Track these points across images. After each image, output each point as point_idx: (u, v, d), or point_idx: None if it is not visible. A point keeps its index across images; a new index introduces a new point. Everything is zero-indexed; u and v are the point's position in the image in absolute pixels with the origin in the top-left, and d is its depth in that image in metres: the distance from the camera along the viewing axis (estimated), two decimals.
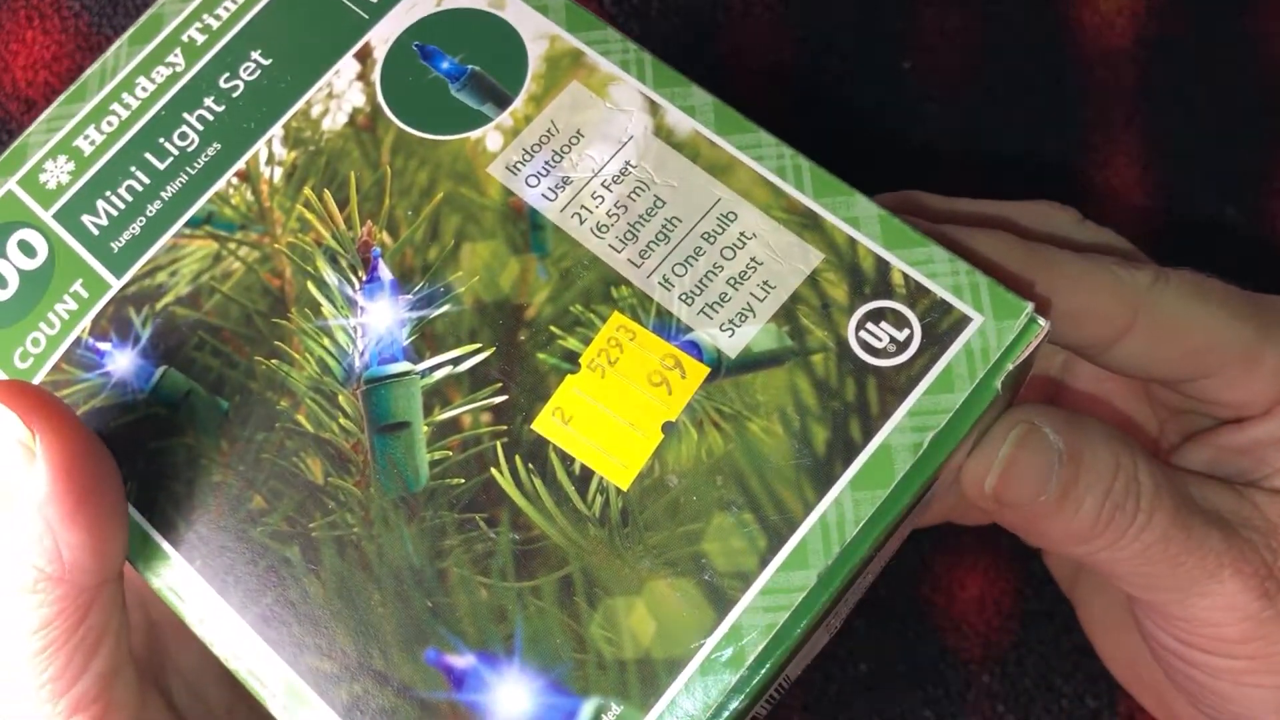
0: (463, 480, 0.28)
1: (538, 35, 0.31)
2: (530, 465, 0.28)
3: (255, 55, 0.33)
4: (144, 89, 0.33)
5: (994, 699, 0.51)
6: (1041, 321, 0.27)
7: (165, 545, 0.29)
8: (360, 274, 0.31)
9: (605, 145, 0.30)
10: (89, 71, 0.33)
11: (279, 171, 0.32)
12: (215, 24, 0.34)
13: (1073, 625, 0.52)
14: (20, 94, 0.51)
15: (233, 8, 0.34)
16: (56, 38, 0.51)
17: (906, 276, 0.28)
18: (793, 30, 0.52)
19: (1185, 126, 0.52)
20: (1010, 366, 0.27)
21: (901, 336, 0.28)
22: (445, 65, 0.32)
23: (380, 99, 0.32)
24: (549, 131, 0.31)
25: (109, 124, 0.33)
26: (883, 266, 0.28)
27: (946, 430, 0.26)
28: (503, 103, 0.31)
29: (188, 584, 0.28)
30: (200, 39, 0.34)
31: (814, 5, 0.52)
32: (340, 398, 0.30)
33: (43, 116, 0.34)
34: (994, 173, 0.53)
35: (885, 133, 0.54)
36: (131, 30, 0.33)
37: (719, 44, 0.53)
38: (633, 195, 0.30)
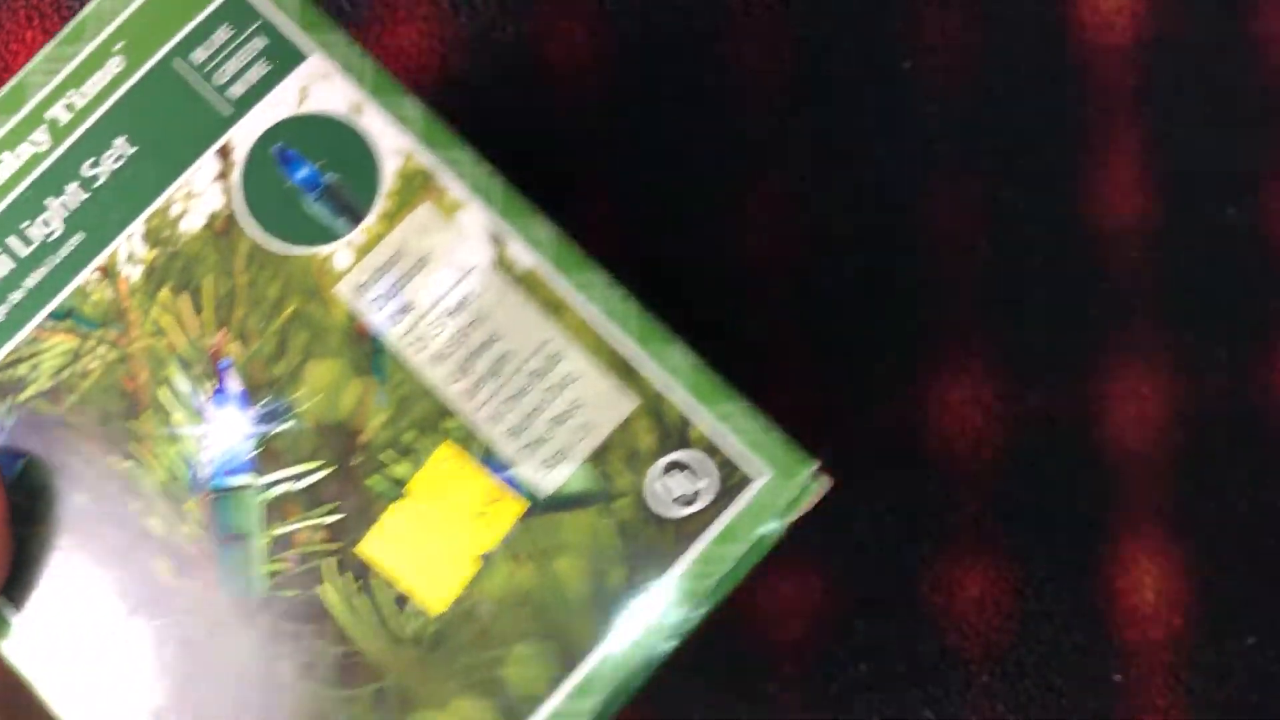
0: (296, 592, 0.31)
1: (394, 149, 0.33)
2: (357, 584, 0.31)
3: (120, 141, 0.34)
4: (8, 167, 0.34)
5: (994, 698, 0.50)
6: (824, 480, 0.29)
7: (23, 628, 0.31)
8: (210, 384, 0.32)
9: (449, 274, 0.32)
10: None
11: (139, 270, 0.33)
12: (81, 102, 0.34)
13: (1072, 625, 0.52)
14: None
15: (99, 86, 0.34)
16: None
17: (709, 430, 0.31)
18: (793, 30, 0.51)
19: (1185, 127, 0.52)
20: (789, 520, 0.30)
21: (696, 489, 0.31)
22: (302, 173, 0.33)
23: (237, 204, 0.33)
24: (397, 254, 0.32)
25: None
26: (688, 419, 0.31)
27: (726, 577, 0.30)
28: (356, 218, 0.33)
29: (45, 667, 0.31)
30: (65, 118, 0.34)
31: (814, 5, 0.51)
32: (187, 505, 0.32)
33: None
34: (993, 173, 0.53)
35: (885, 133, 0.53)
36: None
37: (719, 44, 0.52)
38: (470, 328, 0.32)
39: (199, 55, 0.34)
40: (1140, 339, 0.57)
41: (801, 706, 0.53)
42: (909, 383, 0.55)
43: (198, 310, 0.33)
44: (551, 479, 0.31)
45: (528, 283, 0.32)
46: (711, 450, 0.31)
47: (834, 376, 0.55)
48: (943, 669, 0.53)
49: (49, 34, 0.53)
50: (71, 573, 0.31)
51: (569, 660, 0.29)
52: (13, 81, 0.34)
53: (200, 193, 0.33)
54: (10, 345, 0.33)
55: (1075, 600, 0.55)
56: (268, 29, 0.34)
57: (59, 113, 0.34)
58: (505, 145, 0.54)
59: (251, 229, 0.33)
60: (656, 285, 0.54)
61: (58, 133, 0.34)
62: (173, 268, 0.33)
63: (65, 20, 0.52)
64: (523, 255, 0.32)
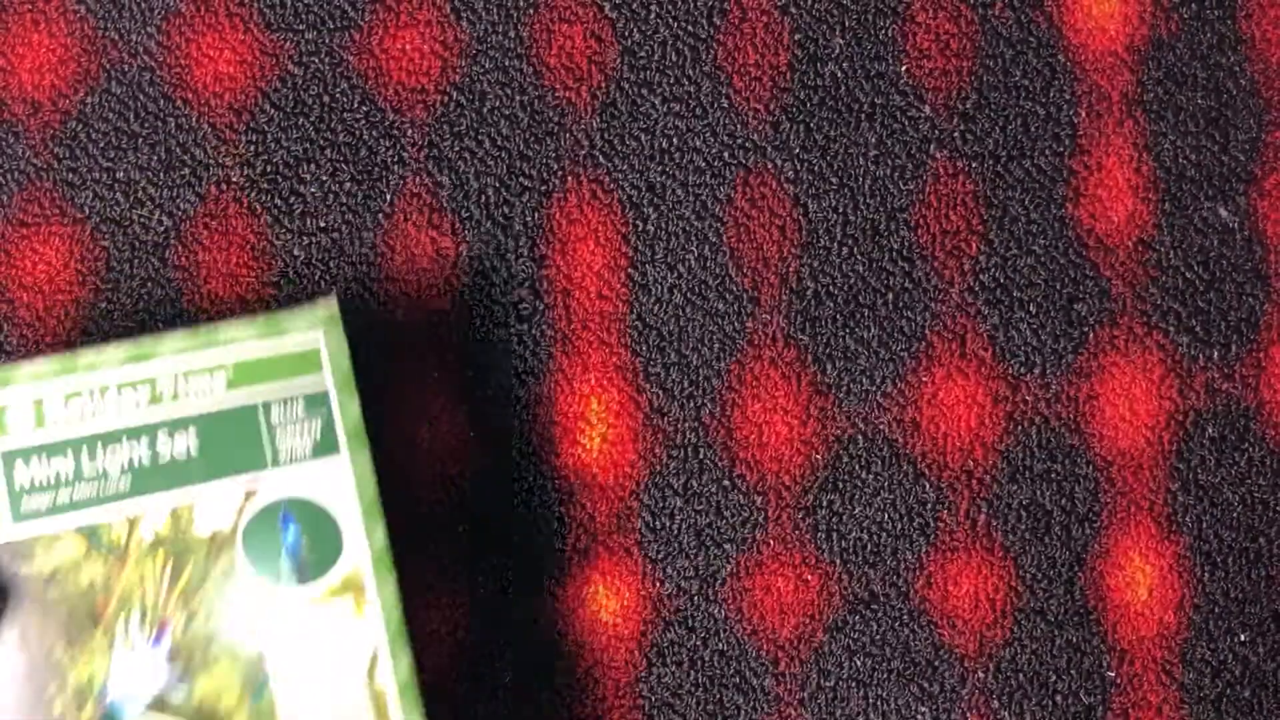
0: None
1: (353, 557, 0.44)
2: None
3: (191, 436, 0.43)
4: (111, 402, 0.43)
5: (989, 695, 0.50)
6: None
7: None
8: (151, 635, 0.42)
9: (335, 656, 0.43)
10: (84, 353, 0.43)
11: (151, 534, 0.43)
12: (181, 390, 0.43)
13: (1065, 622, 0.52)
14: (27, 96, 0.51)
15: (198, 390, 0.43)
16: (62, 40, 0.50)
17: None
18: (790, 35, 0.51)
19: (1176, 129, 0.52)
20: None
21: None
22: (290, 537, 0.43)
23: (239, 530, 0.43)
24: (312, 625, 0.43)
25: (73, 411, 0.42)
26: None
27: None
28: (304, 582, 0.43)
29: None
30: (166, 393, 0.43)
31: (811, 10, 0.51)
32: (88, 706, 0.42)
33: (32, 364, 0.42)
34: (987, 175, 0.52)
35: (880, 136, 0.53)
36: (129, 349, 0.43)
37: (716, 47, 0.52)
38: (327, 696, 0.43)
39: (275, 415, 0.44)
40: (1132, 339, 0.56)
41: (798, 703, 0.52)
42: (903, 382, 0.54)
43: (173, 583, 0.43)
44: None
45: (375, 696, 0.44)
46: None
47: (828, 376, 0.54)
48: (937, 666, 0.53)
49: (55, 37, 0.53)
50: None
51: None
52: (148, 342, 0.44)
53: (220, 508, 0.43)
54: (40, 526, 0.42)
55: (1068, 597, 0.55)
56: (327, 423, 0.44)
57: (165, 387, 0.43)
58: (503, 145, 0.54)
59: (237, 552, 0.43)
60: (645, 287, 0.54)
61: (155, 400, 0.43)
62: (173, 547, 0.43)
63: (71, 24, 0.52)
64: (383, 677, 0.44)
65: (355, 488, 0.44)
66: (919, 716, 0.53)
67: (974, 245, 0.57)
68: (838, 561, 0.54)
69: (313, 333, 0.45)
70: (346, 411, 0.45)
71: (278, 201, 0.56)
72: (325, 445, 0.44)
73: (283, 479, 0.44)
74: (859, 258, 0.56)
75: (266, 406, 0.44)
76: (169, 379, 0.44)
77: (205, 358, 0.44)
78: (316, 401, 0.45)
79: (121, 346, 0.44)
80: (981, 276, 0.56)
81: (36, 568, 0.42)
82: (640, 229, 0.56)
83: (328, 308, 0.46)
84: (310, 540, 0.44)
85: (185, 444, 0.43)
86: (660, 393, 0.55)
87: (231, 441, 0.44)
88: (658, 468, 0.55)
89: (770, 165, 0.56)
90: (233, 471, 0.44)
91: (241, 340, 0.45)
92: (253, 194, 0.55)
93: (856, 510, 0.54)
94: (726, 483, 0.55)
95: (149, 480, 0.43)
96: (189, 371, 0.44)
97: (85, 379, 0.43)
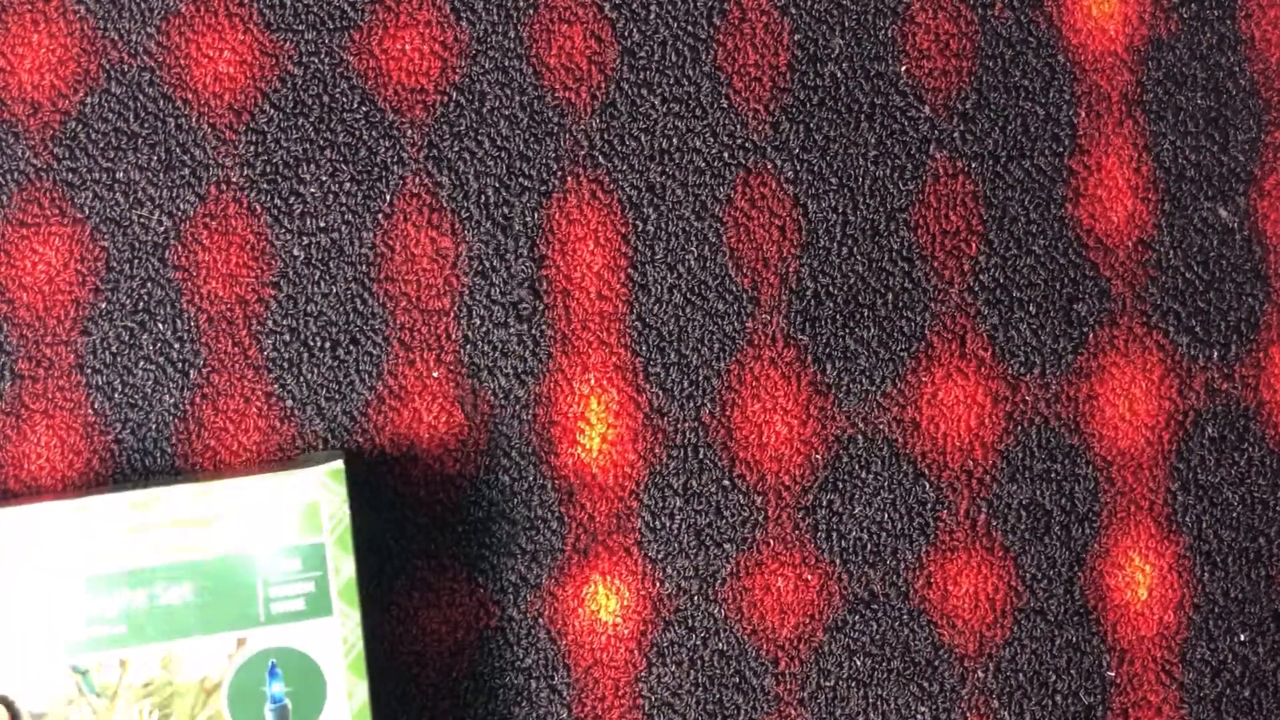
0: None
1: (335, 709, 0.45)
2: None
3: (190, 587, 0.44)
4: (113, 549, 0.43)
5: (988, 694, 0.49)
6: None
7: None
8: None
9: None
10: (88, 499, 0.44)
11: (142, 677, 0.43)
12: (182, 544, 0.44)
13: (1065, 622, 0.51)
14: (27, 96, 0.50)
15: (198, 541, 0.44)
16: (62, 41, 0.50)
17: None
18: (789, 35, 0.50)
19: (1176, 129, 0.51)
20: None
21: None
22: (275, 688, 0.44)
23: (225, 679, 0.44)
24: None
25: (74, 555, 0.43)
26: None
27: None
28: None
29: None
30: (170, 543, 0.44)
31: (811, 10, 0.50)
32: None
33: (36, 507, 0.43)
34: (987, 175, 0.52)
35: (880, 136, 0.52)
36: (133, 498, 0.44)
37: (716, 48, 0.51)
38: None
39: (271, 570, 0.45)
40: (1132, 339, 0.56)
41: (798, 703, 0.52)
42: (903, 382, 0.54)
43: None
44: None
45: None
46: None
47: (828, 376, 0.54)
48: (937, 665, 0.52)
49: (54, 38, 0.53)
50: None
51: None
52: (152, 491, 0.44)
53: (210, 657, 0.44)
54: (32, 666, 0.43)
55: (1068, 597, 0.55)
56: (321, 582, 0.45)
57: (168, 536, 0.44)
58: (503, 145, 0.54)
59: (222, 699, 0.44)
60: (645, 287, 0.54)
61: (157, 551, 0.44)
62: (163, 693, 0.43)
63: (70, 24, 0.52)
64: None
65: (342, 646, 0.46)
66: (919, 716, 0.53)
67: (974, 245, 0.57)
68: (838, 561, 0.54)
69: (315, 491, 0.46)
70: (340, 570, 0.46)
71: (278, 201, 0.56)
72: (318, 603, 0.46)
73: (275, 634, 0.45)
74: (859, 258, 0.56)
75: (263, 559, 0.45)
76: (170, 529, 0.45)
77: (207, 509, 0.45)
78: (313, 559, 0.46)
79: (126, 495, 0.45)
80: (981, 276, 0.56)
81: (29, 705, 0.43)
82: (640, 229, 0.56)
83: (332, 468, 0.47)
84: (296, 691, 0.45)
85: (181, 594, 0.44)
86: (660, 393, 0.55)
87: (227, 595, 0.45)
88: (658, 468, 0.55)
89: (770, 165, 0.56)
90: (226, 627, 0.45)
91: (244, 494, 0.46)
92: (253, 194, 0.55)
93: (856, 510, 0.54)
94: (726, 483, 0.55)
95: (144, 628, 0.44)
96: (191, 522, 0.45)
97: (88, 523, 0.44)
